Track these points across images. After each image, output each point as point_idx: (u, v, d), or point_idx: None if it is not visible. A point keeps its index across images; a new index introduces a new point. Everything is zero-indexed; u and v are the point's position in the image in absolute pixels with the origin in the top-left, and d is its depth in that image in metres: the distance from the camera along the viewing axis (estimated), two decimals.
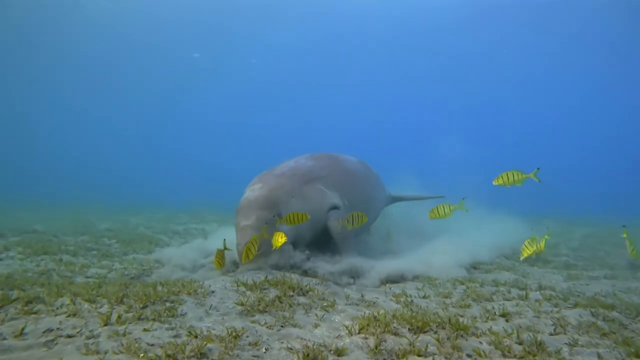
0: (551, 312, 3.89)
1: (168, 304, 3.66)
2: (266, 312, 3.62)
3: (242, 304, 3.73)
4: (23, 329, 3.07)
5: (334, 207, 6.18)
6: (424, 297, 4.44)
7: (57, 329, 3.15)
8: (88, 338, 3.00)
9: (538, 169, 4.40)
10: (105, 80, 45.92)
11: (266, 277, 4.50)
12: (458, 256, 6.18)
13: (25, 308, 3.51)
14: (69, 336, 3.03)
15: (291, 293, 4.14)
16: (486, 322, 3.55)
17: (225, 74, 48.02)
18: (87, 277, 5.71)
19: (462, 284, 5.15)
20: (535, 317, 3.69)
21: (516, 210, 10.92)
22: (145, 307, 3.62)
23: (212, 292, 4.14)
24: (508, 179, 4.47)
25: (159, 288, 4.27)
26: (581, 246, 9.50)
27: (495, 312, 3.77)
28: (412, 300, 4.17)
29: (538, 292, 4.70)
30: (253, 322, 3.40)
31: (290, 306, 3.80)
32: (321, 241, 6.21)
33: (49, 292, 4.04)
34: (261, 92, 54.32)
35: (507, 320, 3.60)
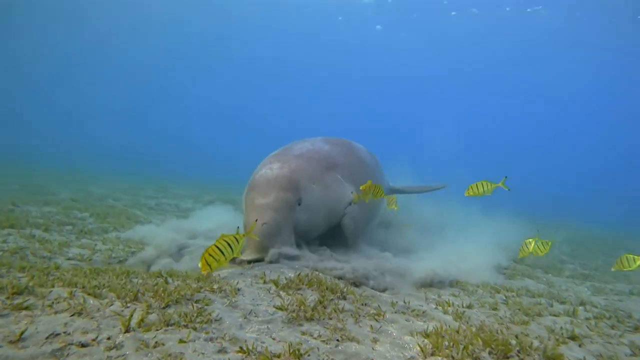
0: (615, 335, 3.59)
1: (195, 305, 3.03)
2: (314, 320, 3.06)
3: (283, 309, 3.16)
4: (23, 332, 2.36)
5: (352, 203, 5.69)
6: (468, 306, 4.03)
7: (64, 333, 2.46)
8: (109, 349, 2.34)
9: (506, 177, 4.48)
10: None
11: (299, 274, 3.93)
12: (486, 260, 5.84)
13: (14, 302, 2.76)
14: (83, 345, 2.36)
15: (331, 296, 3.60)
16: (558, 346, 3.18)
17: (201, 47, 45.60)
18: (69, 259, 4.90)
19: (498, 292, 4.81)
20: (608, 343, 3.35)
21: (498, 210, 10.86)
22: (167, 306, 2.97)
23: (238, 289, 3.54)
24: (478, 189, 4.54)
25: (170, 281, 3.62)
26: (574, 252, 9.54)
27: (562, 334, 3.40)
28: (464, 312, 3.74)
29: (582, 308, 4.43)
30: (304, 333, 2.84)
31: (336, 313, 3.27)
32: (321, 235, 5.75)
33: (37, 279, 3.28)
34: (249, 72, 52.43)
35: (580, 345, 3.24)
